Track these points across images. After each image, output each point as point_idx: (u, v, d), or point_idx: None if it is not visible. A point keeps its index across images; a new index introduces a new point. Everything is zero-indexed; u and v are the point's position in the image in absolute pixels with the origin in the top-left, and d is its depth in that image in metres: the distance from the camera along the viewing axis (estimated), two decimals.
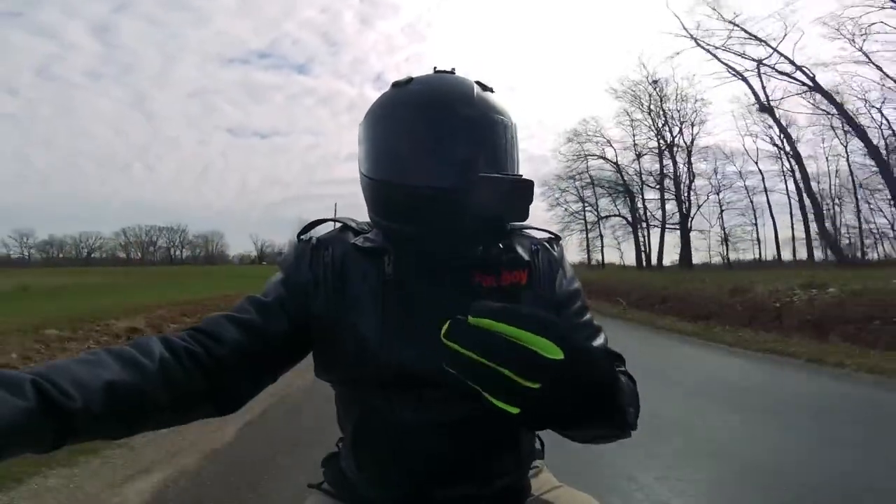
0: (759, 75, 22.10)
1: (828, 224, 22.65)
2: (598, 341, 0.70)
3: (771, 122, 22.66)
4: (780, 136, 23.21)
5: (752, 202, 26.62)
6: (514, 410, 0.42)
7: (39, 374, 0.46)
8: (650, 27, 59.00)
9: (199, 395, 0.59)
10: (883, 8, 17.10)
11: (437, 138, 0.63)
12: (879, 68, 18.36)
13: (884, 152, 19.49)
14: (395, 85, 0.70)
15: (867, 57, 18.38)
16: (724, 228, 27.66)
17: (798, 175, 22.60)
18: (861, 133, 19.68)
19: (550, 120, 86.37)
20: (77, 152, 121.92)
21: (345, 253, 0.70)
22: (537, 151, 61.22)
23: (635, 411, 0.61)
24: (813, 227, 22.84)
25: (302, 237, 0.73)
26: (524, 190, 0.61)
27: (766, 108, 22.54)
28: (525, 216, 0.63)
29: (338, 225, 0.76)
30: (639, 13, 61.66)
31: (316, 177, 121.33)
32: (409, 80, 0.69)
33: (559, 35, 76.50)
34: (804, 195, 22.54)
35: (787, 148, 22.98)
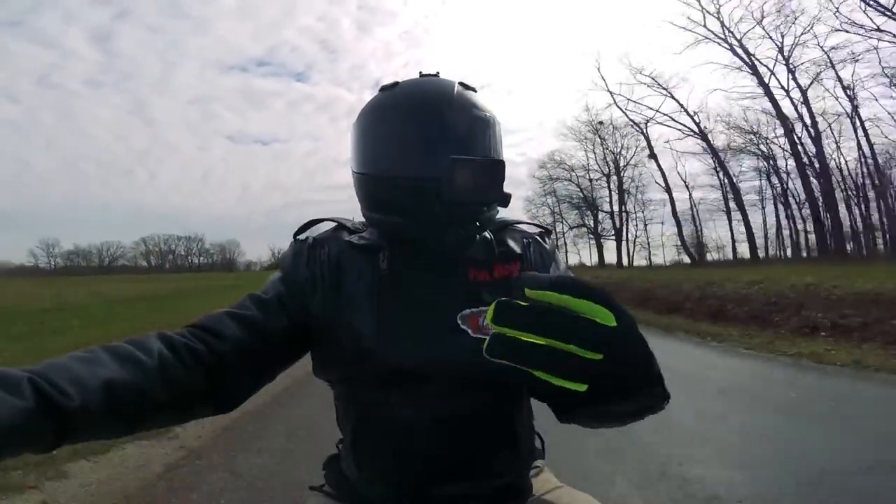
0: (646, 129, 28.48)
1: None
2: None
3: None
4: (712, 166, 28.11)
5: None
6: (583, 388, 0.37)
7: (37, 373, 0.46)
8: (649, 27, 59.17)
9: (199, 392, 0.58)
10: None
11: (419, 134, 0.66)
12: None
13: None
14: (383, 89, 0.72)
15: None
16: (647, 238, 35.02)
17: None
18: (724, 170, 26.09)
19: (550, 122, 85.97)
20: (83, 157, 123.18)
21: (340, 251, 0.71)
22: (535, 154, 61.14)
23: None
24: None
25: (298, 237, 0.74)
26: (494, 169, 0.64)
27: (652, 155, 28.71)
28: (498, 195, 0.65)
29: (333, 224, 0.77)
30: (637, 16, 61.54)
31: (315, 182, 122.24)
32: (396, 84, 0.72)
33: (557, 38, 76.77)
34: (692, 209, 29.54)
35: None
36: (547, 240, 0.78)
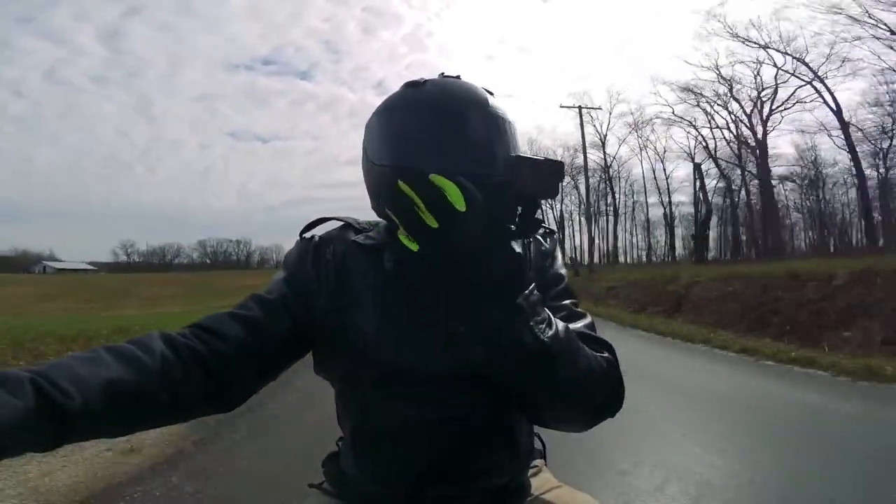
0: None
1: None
2: (577, 325, 0.69)
3: None
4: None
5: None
6: (413, 246, 0.55)
7: (39, 373, 0.46)
8: (647, 31, 56.44)
9: (200, 393, 0.59)
10: None
11: (470, 130, 0.65)
12: None
13: None
14: (411, 85, 0.70)
15: None
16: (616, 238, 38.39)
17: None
18: None
19: (548, 126, 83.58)
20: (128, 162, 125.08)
21: (346, 250, 0.70)
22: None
23: (605, 396, 0.64)
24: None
25: (304, 235, 0.74)
26: (557, 169, 0.64)
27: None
28: (556, 193, 0.65)
29: (339, 223, 0.76)
30: (634, 20, 58.82)
31: (317, 179, 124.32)
32: (424, 82, 0.70)
33: (556, 42, 74.88)
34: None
35: None
36: (549, 239, 0.78)
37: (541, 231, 0.78)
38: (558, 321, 0.62)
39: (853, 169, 22.68)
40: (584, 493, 0.76)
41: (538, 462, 0.80)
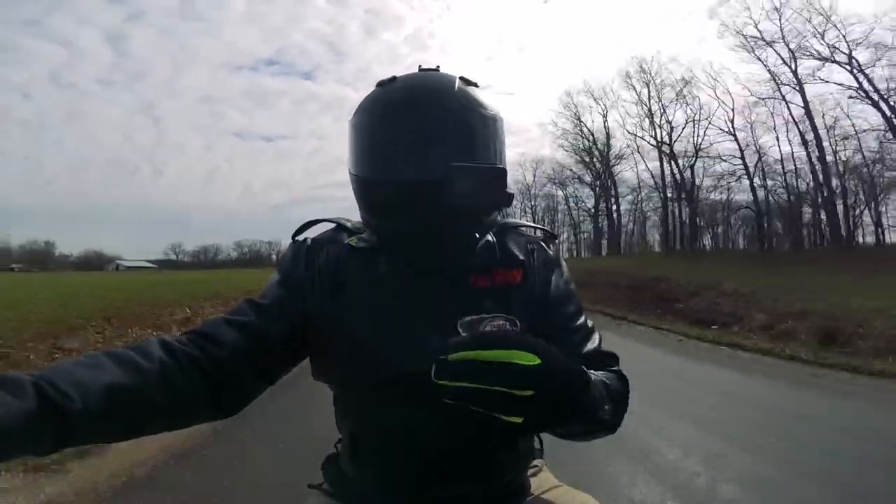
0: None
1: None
2: (591, 345, 0.70)
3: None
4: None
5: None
6: (518, 420, 0.48)
7: (40, 377, 0.47)
8: (645, 32, 57.90)
9: (199, 398, 0.59)
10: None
11: (416, 134, 0.63)
12: None
13: None
14: (380, 84, 0.69)
15: None
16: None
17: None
18: None
19: (551, 123, 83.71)
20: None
21: (339, 253, 0.70)
22: (535, 154, 61.39)
23: (614, 408, 0.62)
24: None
25: (297, 238, 0.73)
26: (496, 177, 0.62)
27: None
28: (501, 202, 0.64)
29: (333, 225, 0.75)
30: (635, 16, 60.59)
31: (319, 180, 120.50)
32: (394, 79, 0.68)
33: (556, 40, 76.00)
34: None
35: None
36: (551, 245, 0.76)
37: (542, 235, 0.77)
38: (594, 378, 0.59)
39: None
40: (584, 493, 0.75)
41: (538, 462, 0.79)
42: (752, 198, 26.59)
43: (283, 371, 0.69)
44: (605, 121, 34.03)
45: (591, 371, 0.60)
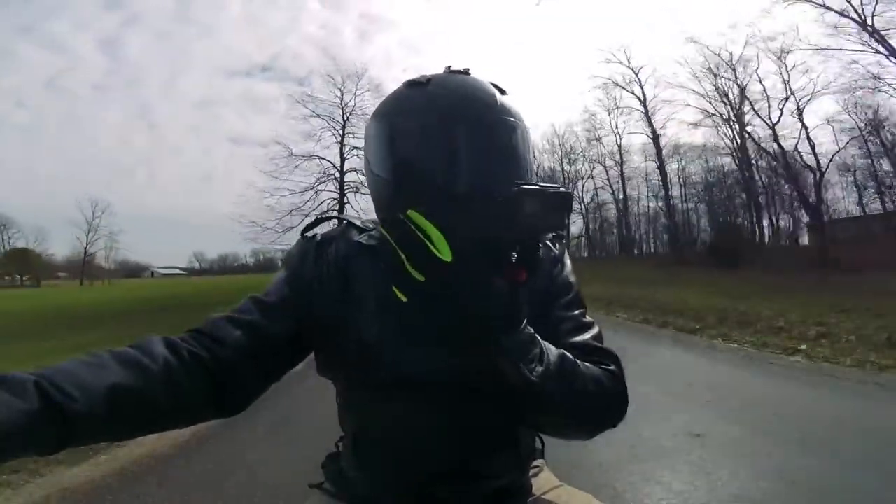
0: None
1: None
2: (581, 337, 0.68)
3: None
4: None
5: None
6: (403, 298, 0.53)
7: (42, 376, 0.47)
8: (646, 30, 59.27)
9: (203, 397, 0.59)
10: None
11: (467, 145, 0.62)
12: None
13: None
14: (413, 84, 0.67)
15: None
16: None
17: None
18: None
19: (544, 126, 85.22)
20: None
21: (348, 250, 0.69)
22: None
23: (568, 390, 0.60)
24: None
25: (306, 234, 0.73)
26: (564, 201, 0.58)
27: None
28: (562, 227, 0.62)
29: (342, 222, 0.75)
30: (631, 17, 62.16)
31: None
32: (428, 81, 0.66)
33: (553, 42, 77.66)
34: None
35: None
36: (558, 244, 0.76)
37: (550, 235, 0.76)
38: (551, 351, 0.60)
39: None
40: (585, 493, 0.75)
41: (539, 462, 0.79)
42: None
43: (288, 368, 0.68)
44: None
45: (567, 353, 0.61)
